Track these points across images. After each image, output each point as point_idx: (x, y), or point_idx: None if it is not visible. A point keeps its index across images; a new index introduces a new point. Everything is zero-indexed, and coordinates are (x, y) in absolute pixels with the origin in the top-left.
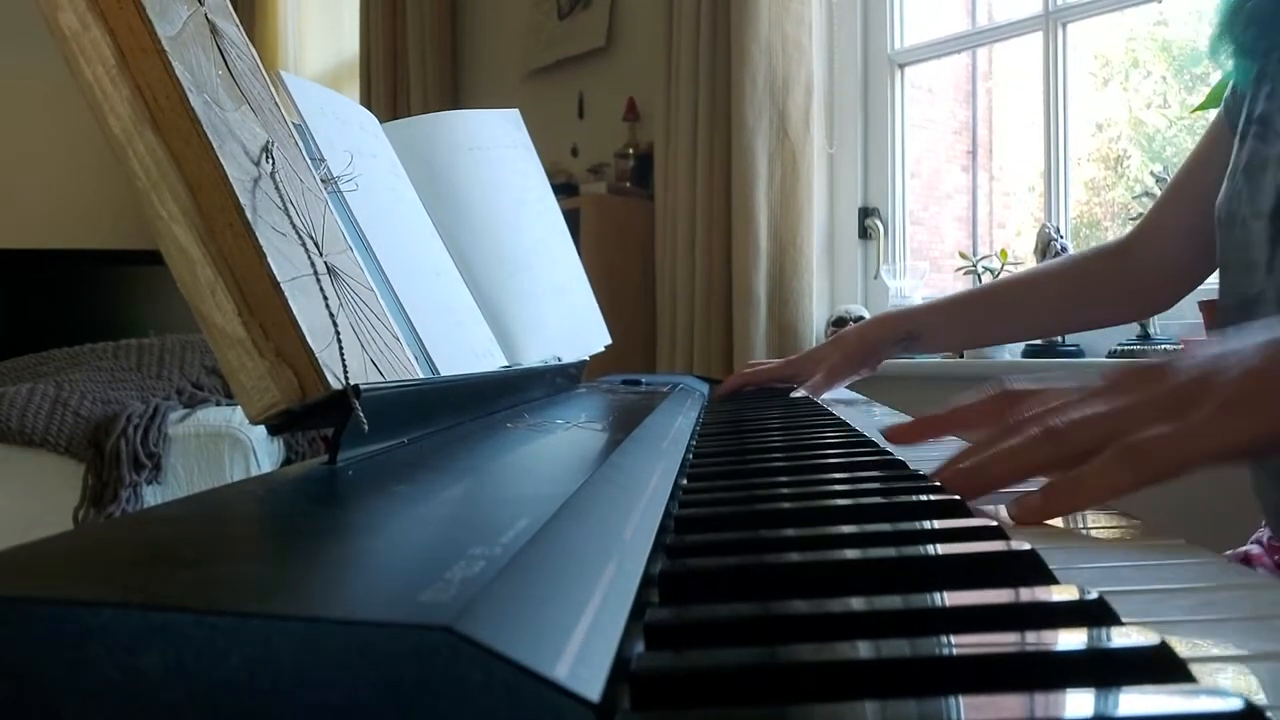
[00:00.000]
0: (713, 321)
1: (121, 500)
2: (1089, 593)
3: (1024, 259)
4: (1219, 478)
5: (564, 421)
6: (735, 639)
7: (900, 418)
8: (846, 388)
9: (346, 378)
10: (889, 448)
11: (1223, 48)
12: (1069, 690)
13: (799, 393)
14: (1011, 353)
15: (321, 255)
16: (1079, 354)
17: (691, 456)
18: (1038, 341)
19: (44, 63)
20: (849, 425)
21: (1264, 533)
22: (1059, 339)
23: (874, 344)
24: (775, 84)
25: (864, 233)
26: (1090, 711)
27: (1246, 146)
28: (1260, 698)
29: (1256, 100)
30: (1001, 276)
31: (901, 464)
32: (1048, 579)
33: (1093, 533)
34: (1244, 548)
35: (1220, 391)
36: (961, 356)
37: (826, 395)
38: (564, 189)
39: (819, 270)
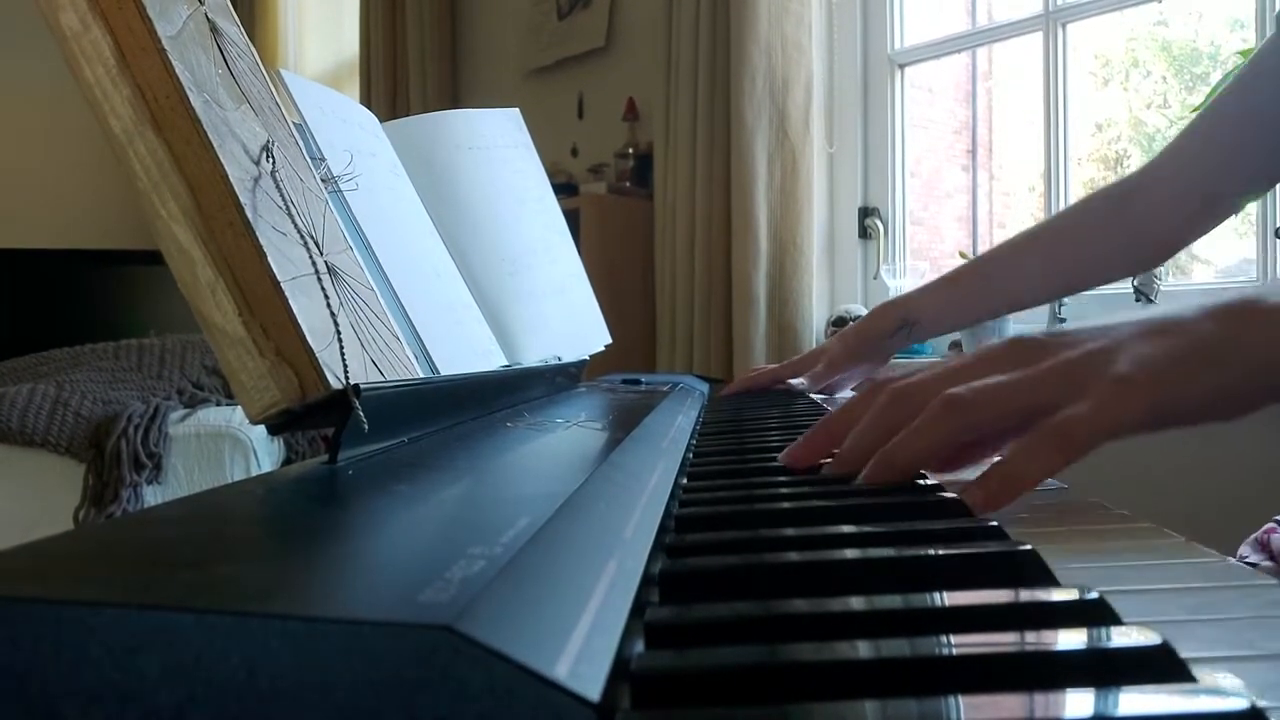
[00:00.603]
0: (713, 321)
1: (122, 500)
2: (1089, 593)
3: None
4: (1219, 476)
5: (564, 421)
6: (735, 638)
7: None
8: (851, 390)
9: (346, 377)
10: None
11: None
12: (1069, 690)
13: (799, 381)
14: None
15: (322, 255)
16: None
17: (691, 456)
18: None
19: (44, 63)
20: None
21: (1271, 532)
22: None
23: (872, 335)
24: (775, 84)
25: (864, 233)
26: (1091, 711)
27: None
28: (1261, 698)
29: None
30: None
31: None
32: (1048, 579)
33: (1094, 533)
34: (1242, 549)
35: (1118, 364)
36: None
37: (831, 396)
38: (564, 189)
39: (819, 270)
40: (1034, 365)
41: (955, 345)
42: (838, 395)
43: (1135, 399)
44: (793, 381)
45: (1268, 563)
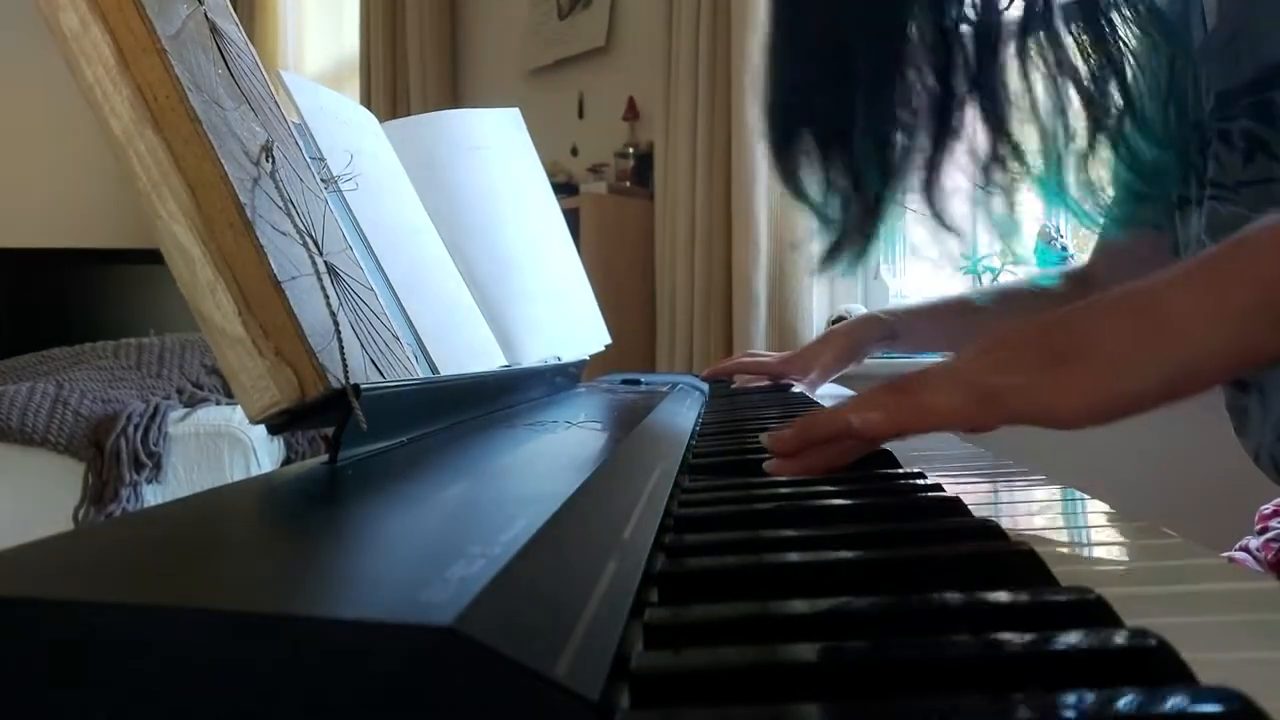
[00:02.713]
0: (713, 321)
1: (121, 500)
2: (1089, 593)
3: (1024, 259)
4: (1218, 477)
5: (564, 421)
6: (734, 638)
7: None
8: (834, 381)
9: (346, 377)
10: (886, 446)
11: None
12: (1069, 690)
13: (797, 388)
14: None
15: (321, 255)
16: None
17: (691, 456)
18: None
19: (44, 63)
20: None
21: (1250, 539)
22: None
23: (860, 341)
24: None
25: None
26: (1091, 712)
27: (1203, 211)
28: (1260, 698)
29: (1183, 181)
30: (976, 288)
31: (900, 463)
32: (1048, 579)
33: (1093, 533)
34: (1227, 553)
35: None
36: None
37: (819, 391)
38: (564, 189)
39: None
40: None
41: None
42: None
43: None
44: (796, 389)
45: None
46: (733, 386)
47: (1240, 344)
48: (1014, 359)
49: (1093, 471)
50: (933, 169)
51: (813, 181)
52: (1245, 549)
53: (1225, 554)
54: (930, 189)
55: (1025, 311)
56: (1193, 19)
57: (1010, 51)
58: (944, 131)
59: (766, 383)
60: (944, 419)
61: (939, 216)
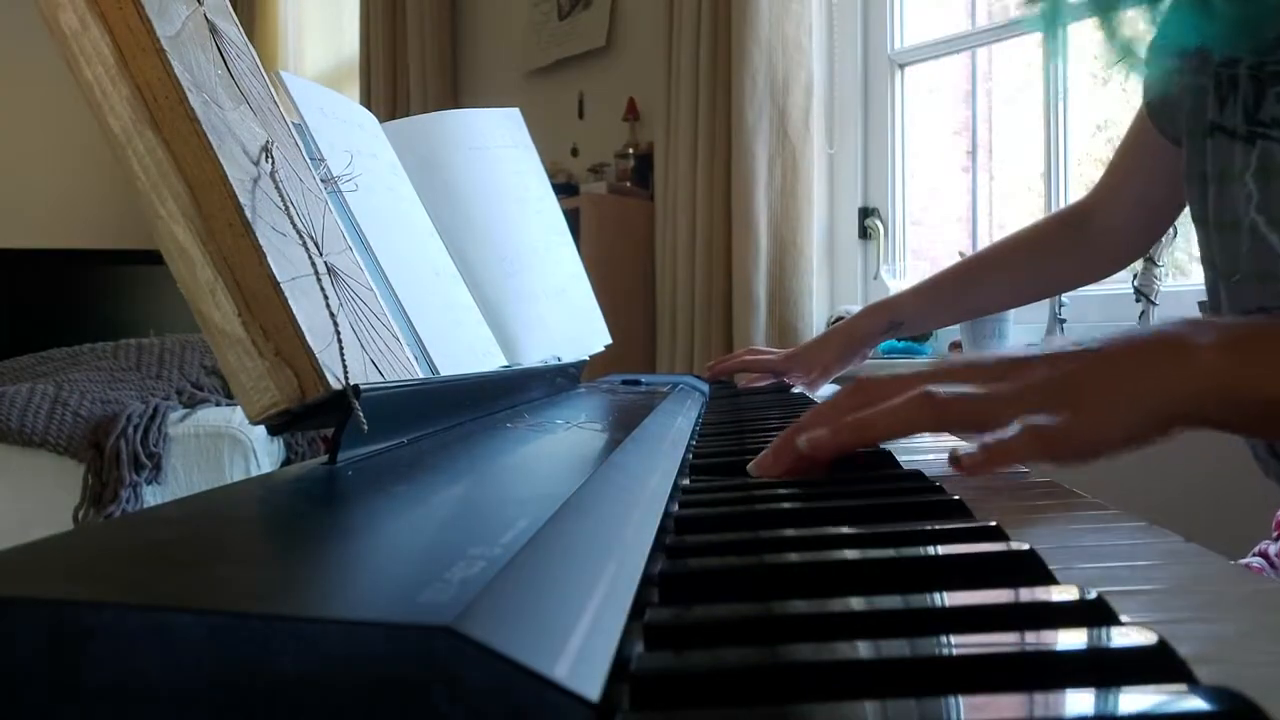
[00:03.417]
0: (713, 321)
1: (121, 500)
2: (1089, 593)
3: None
4: (1224, 482)
5: (564, 421)
6: (735, 639)
7: None
8: (835, 381)
9: (346, 378)
10: (886, 446)
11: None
12: (1069, 690)
13: (798, 389)
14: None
15: (321, 255)
16: None
17: (691, 456)
18: None
19: (44, 63)
20: None
21: (1268, 544)
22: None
23: (863, 337)
24: (775, 84)
25: (864, 233)
26: (1090, 711)
27: (1256, 149)
28: (1260, 697)
29: (1257, 101)
30: (972, 254)
31: (900, 464)
32: (1047, 579)
33: (1094, 533)
34: (1245, 560)
35: (1086, 393)
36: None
37: (820, 390)
38: (564, 189)
39: (819, 270)
40: (1004, 382)
41: (955, 345)
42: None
43: (1115, 424)
44: (796, 390)
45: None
46: (740, 386)
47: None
48: (973, 376)
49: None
50: None
51: None
52: (1263, 554)
53: (1243, 560)
54: None
55: (1022, 273)
56: None
57: None
58: None
59: (768, 382)
60: (886, 432)
61: None
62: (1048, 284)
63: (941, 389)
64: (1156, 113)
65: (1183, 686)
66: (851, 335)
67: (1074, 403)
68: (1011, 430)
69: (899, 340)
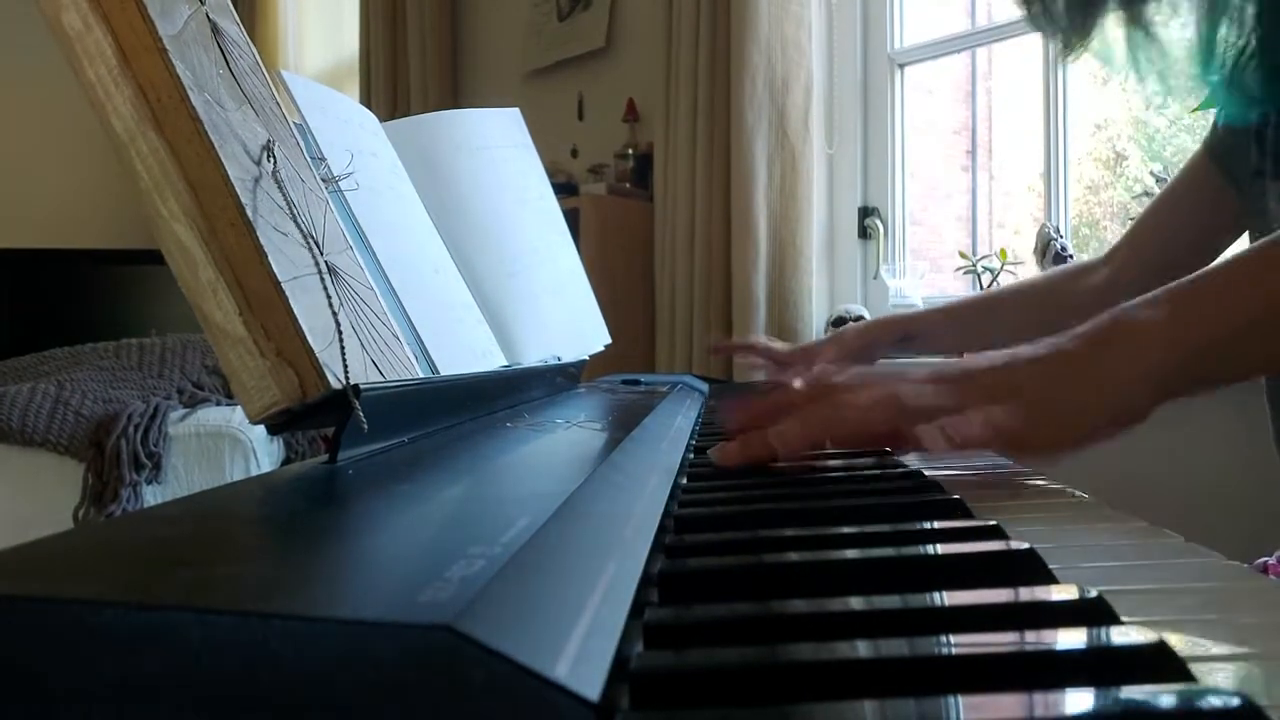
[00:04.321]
0: (712, 322)
1: (121, 500)
2: (1089, 592)
3: (1024, 259)
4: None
5: (564, 421)
6: (734, 639)
7: None
8: None
9: (346, 377)
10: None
11: (1229, 93)
12: (1069, 690)
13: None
14: None
15: (322, 255)
16: None
17: (691, 456)
18: None
19: (45, 63)
20: None
21: None
22: None
23: (872, 343)
24: (775, 84)
25: (864, 233)
26: (1090, 711)
27: None
28: (1260, 697)
29: None
30: (994, 288)
31: (900, 463)
32: (1047, 579)
33: (1094, 533)
34: (1260, 560)
35: (1044, 393)
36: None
37: None
38: (564, 189)
39: (819, 270)
40: (969, 386)
41: None
42: None
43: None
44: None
45: None
46: (754, 383)
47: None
48: (939, 382)
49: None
50: None
51: None
52: None
53: (1259, 560)
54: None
55: (1044, 309)
56: None
57: None
58: None
59: (766, 377)
60: (855, 426)
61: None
62: (1051, 325)
63: (910, 392)
64: (1220, 155)
65: (1183, 686)
66: (863, 339)
67: (1039, 401)
68: (972, 418)
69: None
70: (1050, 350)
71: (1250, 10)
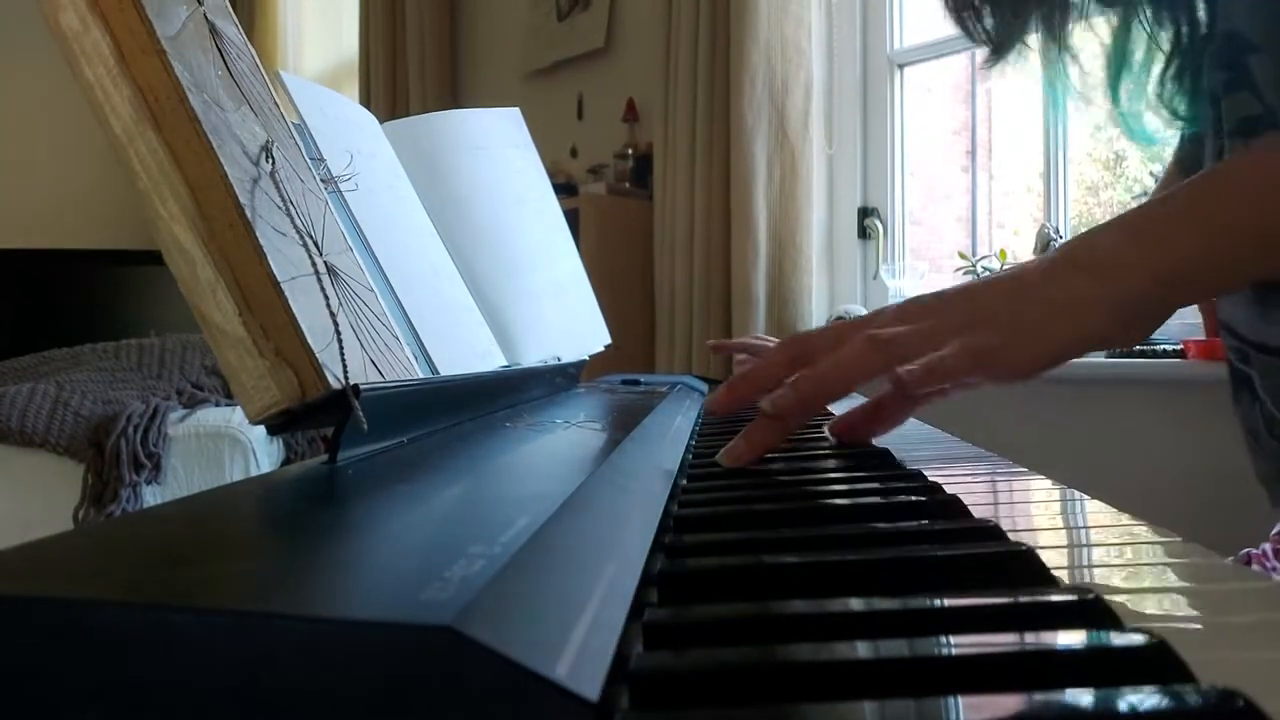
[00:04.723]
0: (712, 321)
1: (121, 500)
2: (1088, 593)
3: (1023, 259)
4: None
5: (563, 421)
6: (734, 639)
7: None
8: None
9: (346, 377)
10: (886, 446)
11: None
12: (1068, 690)
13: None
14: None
15: (321, 255)
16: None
17: (691, 456)
18: None
19: (44, 63)
20: None
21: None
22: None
23: None
24: (774, 85)
25: (863, 233)
26: (1090, 711)
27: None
28: (1260, 697)
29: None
30: None
31: (900, 463)
32: (1047, 579)
33: (1093, 533)
34: (1246, 549)
35: (1017, 313)
36: None
37: None
38: (564, 189)
39: (818, 270)
40: (941, 316)
41: None
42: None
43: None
44: None
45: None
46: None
47: (1222, 257)
48: (908, 317)
49: (1102, 477)
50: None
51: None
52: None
53: (1242, 551)
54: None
55: None
56: None
57: None
58: None
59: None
60: (844, 379)
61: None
62: None
63: (882, 331)
64: (1190, 168)
65: (1182, 686)
66: None
67: (1008, 323)
68: (948, 348)
69: None
70: (1013, 275)
71: (1165, 35)
